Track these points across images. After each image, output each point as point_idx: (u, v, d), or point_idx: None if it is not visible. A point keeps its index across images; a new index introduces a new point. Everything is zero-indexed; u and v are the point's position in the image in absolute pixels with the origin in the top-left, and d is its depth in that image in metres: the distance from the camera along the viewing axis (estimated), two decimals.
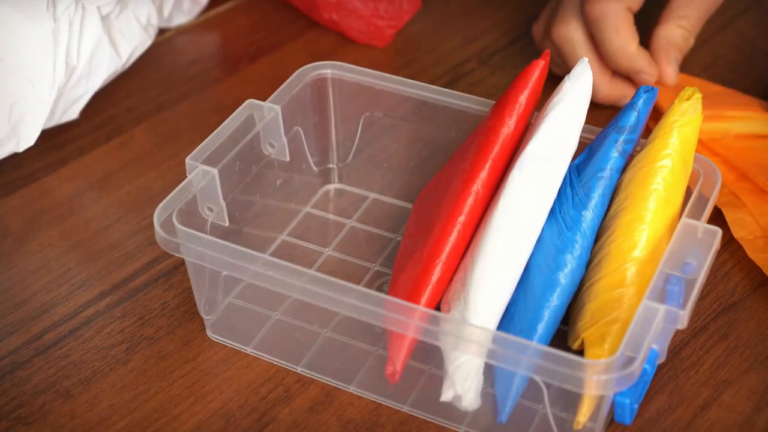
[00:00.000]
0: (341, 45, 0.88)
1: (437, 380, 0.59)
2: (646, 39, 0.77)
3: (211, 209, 0.63)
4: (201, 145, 0.63)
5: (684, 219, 0.58)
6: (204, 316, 0.64)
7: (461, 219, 0.59)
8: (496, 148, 0.60)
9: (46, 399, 0.61)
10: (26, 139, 0.75)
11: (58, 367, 0.63)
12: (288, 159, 0.69)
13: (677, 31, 0.76)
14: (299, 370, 0.63)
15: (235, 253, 0.58)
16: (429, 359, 0.61)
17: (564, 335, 0.61)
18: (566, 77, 0.60)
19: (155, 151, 0.78)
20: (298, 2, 0.90)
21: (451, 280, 0.59)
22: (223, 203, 0.63)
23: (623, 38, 0.74)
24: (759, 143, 0.74)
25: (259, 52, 0.88)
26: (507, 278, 0.57)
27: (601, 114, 0.78)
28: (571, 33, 0.76)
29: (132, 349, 0.64)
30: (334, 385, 0.62)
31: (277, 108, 0.67)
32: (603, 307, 0.57)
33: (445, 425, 0.59)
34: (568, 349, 0.58)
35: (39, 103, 0.74)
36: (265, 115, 0.67)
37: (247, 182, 0.66)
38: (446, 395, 0.58)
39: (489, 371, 0.58)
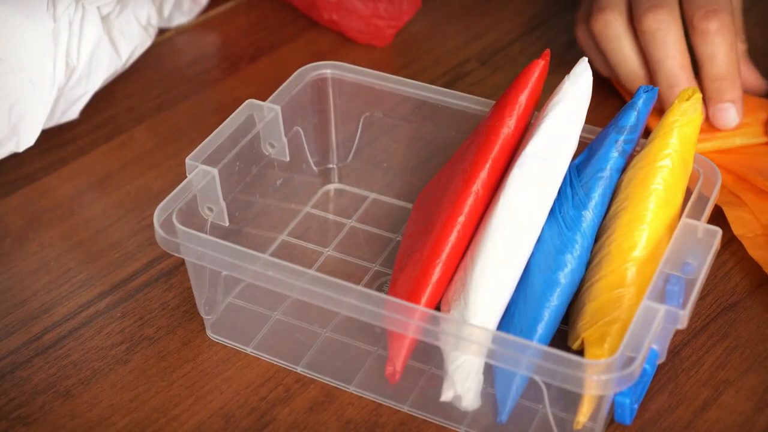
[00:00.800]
0: (341, 45, 0.88)
1: (437, 380, 0.59)
2: None
3: (211, 209, 0.63)
4: (201, 145, 0.63)
5: (684, 219, 0.58)
6: (204, 316, 0.64)
7: (461, 219, 0.59)
8: (496, 148, 0.60)
9: (46, 399, 0.61)
10: (26, 139, 0.75)
11: (58, 367, 0.63)
12: (288, 159, 0.69)
13: (742, 46, 0.77)
14: (299, 370, 0.63)
15: (235, 253, 0.58)
16: (429, 359, 0.61)
17: (564, 335, 0.61)
18: (566, 77, 0.60)
19: (155, 151, 0.78)
20: (298, 2, 0.90)
21: (451, 280, 0.59)
22: (223, 203, 0.63)
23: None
24: (752, 150, 0.74)
25: (259, 52, 0.88)
26: (507, 278, 0.57)
27: (601, 114, 0.78)
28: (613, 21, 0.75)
29: (132, 349, 0.64)
30: (334, 385, 0.62)
31: (277, 108, 0.67)
32: (603, 307, 0.57)
33: (445, 425, 0.59)
34: (568, 349, 0.58)
35: (39, 103, 0.74)
36: (265, 115, 0.67)
37: (247, 182, 0.66)
38: (446, 395, 0.58)
39: (489, 371, 0.58)
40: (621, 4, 0.76)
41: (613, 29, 0.75)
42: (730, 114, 0.73)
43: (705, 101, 0.74)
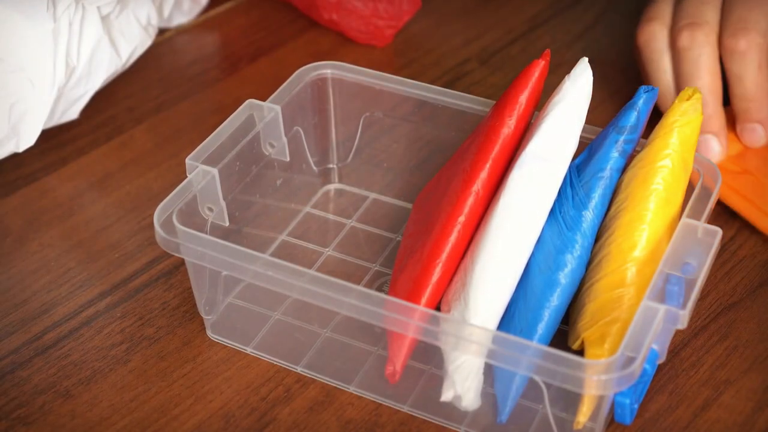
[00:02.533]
0: (341, 45, 0.88)
1: (437, 380, 0.59)
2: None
3: (211, 209, 0.63)
4: (201, 145, 0.63)
5: (684, 219, 0.58)
6: (204, 316, 0.64)
7: (461, 219, 0.59)
8: (496, 148, 0.60)
9: (46, 399, 0.61)
10: (26, 139, 0.75)
11: (58, 367, 0.63)
12: (288, 159, 0.69)
13: None
14: (299, 370, 0.63)
15: (235, 253, 0.58)
16: (429, 359, 0.61)
17: (564, 335, 0.61)
18: (566, 77, 0.60)
19: (155, 151, 0.78)
20: (298, 2, 0.90)
21: (451, 280, 0.59)
22: (223, 203, 0.63)
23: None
24: None
25: (259, 52, 0.88)
26: (507, 278, 0.57)
27: (601, 114, 0.78)
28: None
29: (132, 349, 0.64)
30: (334, 385, 0.62)
31: (277, 108, 0.67)
32: (603, 307, 0.57)
33: (445, 425, 0.59)
34: (568, 349, 0.58)
35: (39, 103, 0.74)
36: (265, 115, 0.67)
37: (247, 182, 0.66)
38: (446, 395, 0.58)
39: (489, 371, 0.58)
40: (668, 15, 0.74)
41: (659, 43, 0.74)
42: (757, 134, 0.73)
43: (735, 118, 0.73)
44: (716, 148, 0.73)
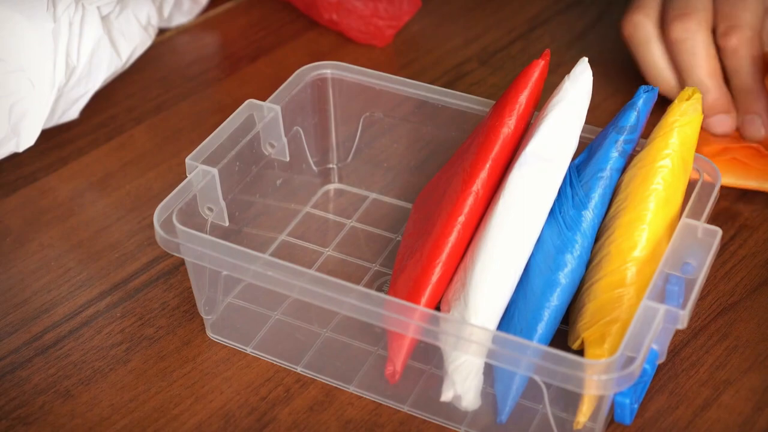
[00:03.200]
0: (341, 45, 0.88)
1: (437, 380, 0.59)
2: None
3: (211, 209, 0.63)
4: (201, 145, 0.63)
5: (684, 219, 0.58)
6: (204, 316, 0.64)
7: (461, 219, 0.59)
8: (496, 148, 0.60)
9: (46, 399, 0.61)
10: (26, 139, 0.75)
11: (58, 367, 0.63)
12: (288, 159, 0.69)
13: None
14: (299, 370, 0.63)
15: (235, 253, 0.58)
16: (429, 359, 0.61)
17: (564, 335, 0.61)
18: (566, 77, 0.60)
19: (155, 151, 0.78)
20: (298, 2, 0.90)
21: (451, 280, 0.59)
22: (223, 203, 0.63)
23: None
24: None
25: (259, 52, 0.88)
26: (507, 278, 0.57)
27: (601, 114, 0.78)
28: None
29: (132, 349, 0.64)
30: (334, 385, 0.62)
31: (277, 108, 0.67)
32: (603, 307, 0.57)
33: (445, 425, 0.59)
34: (568, 349, 0.58)
35: (39, 103, 0.74)
36: (265, 115, 0.67)
37: (247, 182, 0.66)
38: (446, 395, 0.58)
39: (489, 371, 0.58)
40: (653, 7, 0.76)
41: (643, 33, 0.76)
42: (755, 125, 0.74)
43: (736, 110, 0.75)
44: (730, 122, 0.74)
